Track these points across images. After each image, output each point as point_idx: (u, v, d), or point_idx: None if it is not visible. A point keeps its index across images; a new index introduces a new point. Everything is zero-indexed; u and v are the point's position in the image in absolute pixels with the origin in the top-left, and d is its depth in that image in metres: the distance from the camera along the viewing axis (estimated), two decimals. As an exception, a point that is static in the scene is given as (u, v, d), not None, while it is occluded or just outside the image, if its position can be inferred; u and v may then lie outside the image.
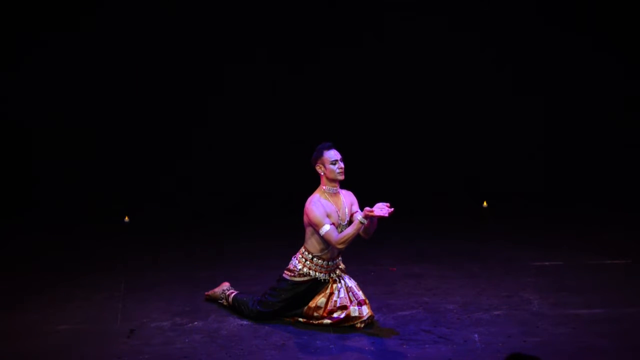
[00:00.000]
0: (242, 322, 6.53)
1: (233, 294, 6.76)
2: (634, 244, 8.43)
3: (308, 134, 10.08)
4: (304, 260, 6.43)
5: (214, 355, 5.95)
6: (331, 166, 6.36)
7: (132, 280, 7.61)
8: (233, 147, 10.92)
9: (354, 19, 10.80)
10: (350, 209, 6.45)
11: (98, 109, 10.64)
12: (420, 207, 10.16)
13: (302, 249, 6.45)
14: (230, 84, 10.84)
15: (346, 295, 6.41)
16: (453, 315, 6.59)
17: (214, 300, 6.91)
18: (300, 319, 6.46)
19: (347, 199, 6.48)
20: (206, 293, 6.99)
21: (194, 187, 10.78)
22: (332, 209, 6.35)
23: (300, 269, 6.42)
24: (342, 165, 6.38)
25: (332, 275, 6.47)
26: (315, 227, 6.30)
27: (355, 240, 6.32)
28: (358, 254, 7.73)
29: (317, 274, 6.42)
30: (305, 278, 6.43)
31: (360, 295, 6.42)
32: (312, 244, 6.40)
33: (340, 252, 6.48)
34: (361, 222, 6.19)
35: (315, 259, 6.41)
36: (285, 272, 6.50)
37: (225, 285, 6.92)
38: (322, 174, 6.39)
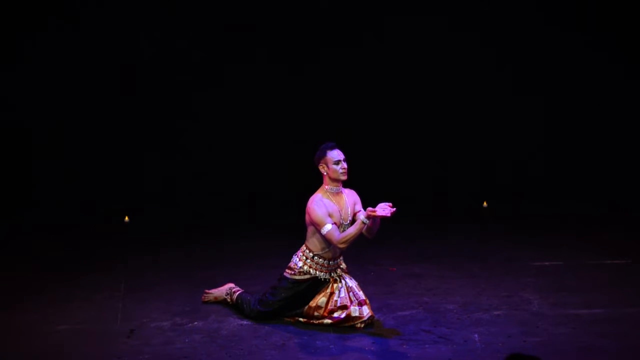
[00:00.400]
0: (242, 322, 6.53)
1: (238, 292, 6.77)
2: (634, 244, 8.43)
3: (308, 134, 10.09)
4: (304, 258, 6.42)
5: (214, 355, 5.95)
6: (334, 166, 6.35)
7: (132, 280, 7.61)
8: (233, 147, 10.91)
9: (354, 19, 10.79)
10: (353, 209, 6.44)
11: (98, 109, 10.62)
12: (420, 207, 10.16)
13: (303, 247, 6.45)
14: (230, 84, 10.83)
15: (347, 295, 6.41)
16: (453, 315, 6.59)
17: (212, 301, 6.91)
18: (301, 319, 6.47)
19: (350, 198, 6.47)
20: (206, 291, 6.98)
21: (193, 187, 10.77)
22: (334, 208, 6.34)
23: (301, 267, 6.42)
24: (345, 165, 6.37)
25: (332, 274, 6.47)
26: (317, 227, 6.30)
27: (357, 240, 6.31)
28: (358, 254, 7.73)
29: (317, 272, 6.42)
30: (306, 276, 6.42)
31: (361, 295, 6.42)
32: (313, 242, 6.40)
33: (342, 252, 6.48)
34: (363, 222, 6.19)
35: (316, 257, 6.41)
36: (286, 270, 6.50)
37: (230, 285, 6.92)
38: (325, 173, 6.39)
